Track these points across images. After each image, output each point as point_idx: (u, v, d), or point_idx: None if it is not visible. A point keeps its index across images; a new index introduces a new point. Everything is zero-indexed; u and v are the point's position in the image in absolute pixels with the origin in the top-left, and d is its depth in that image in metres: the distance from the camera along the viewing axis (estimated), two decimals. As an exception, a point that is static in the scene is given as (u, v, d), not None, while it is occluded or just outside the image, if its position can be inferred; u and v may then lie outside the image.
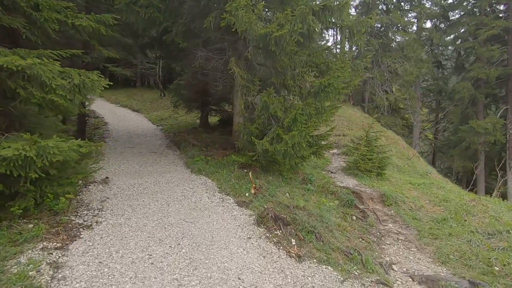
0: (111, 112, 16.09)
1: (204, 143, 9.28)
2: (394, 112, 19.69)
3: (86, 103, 10.73)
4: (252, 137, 6.64)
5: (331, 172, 8.90)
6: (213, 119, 13.57)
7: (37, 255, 3.14)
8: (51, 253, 3.22)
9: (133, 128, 12.94)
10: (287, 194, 6.21)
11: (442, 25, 21.30)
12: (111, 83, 4.90)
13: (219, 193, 5.78)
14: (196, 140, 9.44)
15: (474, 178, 17.70)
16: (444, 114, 19.95)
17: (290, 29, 6.07)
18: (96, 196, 5.04)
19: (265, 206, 5.23)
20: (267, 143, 6.30)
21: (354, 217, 5.82)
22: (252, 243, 4.10)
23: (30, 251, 3.19)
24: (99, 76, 4.63)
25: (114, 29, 9.86)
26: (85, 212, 4.40)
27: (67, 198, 4.26)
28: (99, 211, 4.47)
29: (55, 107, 4.64)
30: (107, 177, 5.88)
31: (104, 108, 16.81)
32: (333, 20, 7.48)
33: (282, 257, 3.88)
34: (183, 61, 11.72)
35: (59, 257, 3.21)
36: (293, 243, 4.29)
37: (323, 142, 7.37)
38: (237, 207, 5.23)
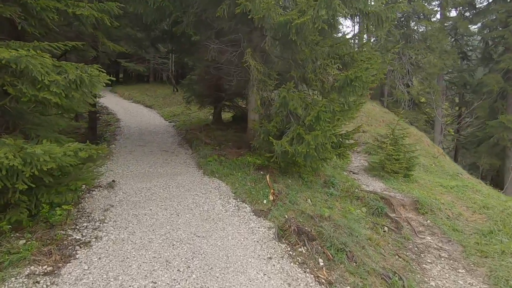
0: (124, 108, 15.73)
1: (217, 141, 8.68)
2: (415, 107, 18.52)
3: (97, 99, 10.32)
4: (269, 136, 5.97)
5: (353, 173, 8.14)
6: (226, 115, 12.98)
7: (20, 285, 2.61)
8: (38, 282, 2.68)
9: (145, 124, 12.49)
10: (309, 200, 5.53)
11: (468, 14, 19.79)
12: (114, 79, 4.31)
13: (234, 199, 5.16)
14: (208, 138, 8.85)
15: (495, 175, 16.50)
16: (470, 108, 18.62)
17: (313, 16, 5.30)
18: (99, 203, 4.51)
19: (286, 216, 4.58)
20: (286, 144, 5.62)
21: (385, 228, 5.09)
22: (274, 265, 3.46)
23: (13, 279, 2.66)
24: (100, 70, 4.04)
25: (122, 22, 9.35)
26: (85, 224, 3.87)
27: (64, 209, 3.74)
28: (100, 223, 3.93)
29: (55, 105, 4.11)
30: (113, 181, 5.36)
31: (117, 105, 16.48)
32: (360, 7, 6.69)
33: (311, 284, 3.23)
34: (195, 54, 11.12)
35: (47, 286, 2.67)
36: (321, 264, 3.63)
37: (348, 142, 6.61)
38: (254, 217, 4.59)
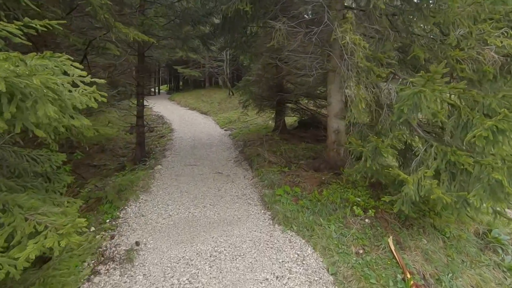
0: (179, 116, 14.41)
1: (285, 159, 6.27)
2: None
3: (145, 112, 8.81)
4: (389, 169, 3.32)
5: None
6: (288, 120, 10.51)
7: None
8: None
9: (199, 134, 10.75)
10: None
11: None
12: (85, 74, 2.08)
13: (336, 288, 2.67)
14: (273, 155, 6.48)
15: None
16: None
17: None
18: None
19: None
20: (429, 182, 2.89)
21: None
22: None
23: None
24: (71, 61, 1.91)
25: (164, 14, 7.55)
26: None
27: None
28: None
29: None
30: (137, 243, 3.33)
31: (173, 113, 15.33)
32: None
33: None
34: (252, 48, 8.88)
35: None
36: None
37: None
38: None
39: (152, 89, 31.08)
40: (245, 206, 4.44)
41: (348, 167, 5.03)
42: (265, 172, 5.62)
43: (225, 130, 11.53)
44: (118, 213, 4.02)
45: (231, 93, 17.63)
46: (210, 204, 4.47)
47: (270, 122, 11.99)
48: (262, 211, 4.23)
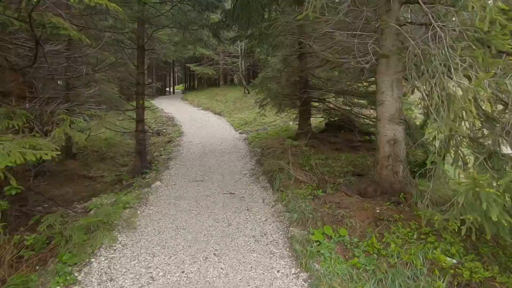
0: (191, 117, 13.09)
1: (317, 176, 4.68)
2: None
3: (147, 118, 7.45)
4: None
5: None
6: (312, 120, 8.87)
7: None
8: None
9: (211, 138, 9.33)
10: None
11: None
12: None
13: None
14: (300, 169, 4.90)
15: None
16: None
17: None
18: None
19: None
20: None
21: None
22: None
23: None
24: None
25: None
26: None
27: None
28: None
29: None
30: None
31: (185, 114, 14.04)
32: None
33: None
34: (270, 39, 7.32)
35: None
36: None
37: None
38: None
39: (167, 89, 30.19)
40: (266, 259, 2.91)
41: (415, 195, 3.40)
42: (292, 196, 4.07)
43: (240, 133, 10.05)
44: (76, 274, 2.63)
45: (246, 92, 16.13)
46: (214, 254, 2.98)
47: (290, 123, 10.40)
48: (293, 271, 2.69)
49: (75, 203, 5.78)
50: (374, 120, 6.72)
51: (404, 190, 3.71)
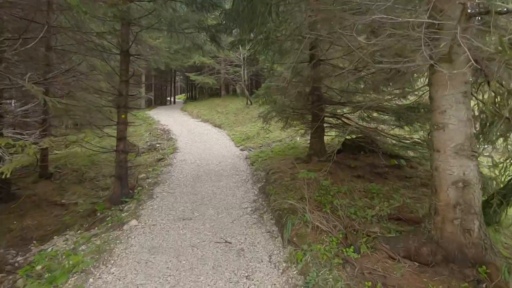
0: (189, 130, 11.92)
1: (343, 221, 3.42)
2: None
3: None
4: None
5: None
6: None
7: None
8: None
9: (208, 155, 8.13)
10: None
11: None
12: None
13: None
14: (318, 211, 3.63)
15: None
16: None
17: None
18: None
19: None
20: None
21: None
22: None
23: None
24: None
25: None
26: None
27: None
28: None
29: None
30: None
31: (182, 126, 12.88)
32: None
33: None
34: (277, 44, 6.18)
35: None
36: None
37: None
38: None
39: (168, 98, 29.24)
40: None
41: (504, 268, 2.13)
42: (311, 256, 2.81)
43: (241, 149, 8.84)
44: None
45: (249, 103, 14.99)
46: None
47: (297, 139, 9.19)
48: None
49: (34, 242, 4.58)
50: (404, 140, 5.50)
51: (483, 259, 2.44)
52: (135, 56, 6.14)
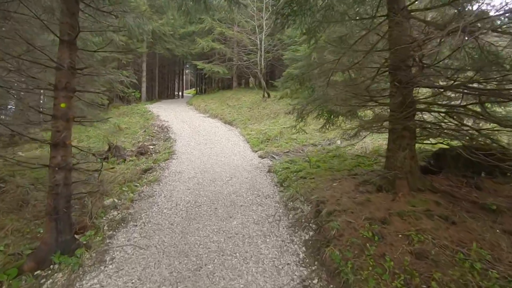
0: (192, 128, 9.39)
1: None
2: None
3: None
4: None
5: None
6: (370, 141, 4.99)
7: None
8: None
9: (214, 166, 5.56)
10: None
11: None
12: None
13: None
14: None
15: None
16: None
17: None
18: None
19: None
20: None
21: None
22: None
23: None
24: None
25: None
26: None
27: None
28: None
29: None
30: None
31: (185, 123, 10.35)
32: None
33: None
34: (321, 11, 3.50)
35: None
36: None
37: None
38: None
39: (176, 92, 26.89)
40: None
41: None
42: None
43: (261, 156, 6.22)
44: None
45: (266, 95, 12.31)
46: None
47: (338, 142, 6.50)
48: None
49: None
50: None
51: None
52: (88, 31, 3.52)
